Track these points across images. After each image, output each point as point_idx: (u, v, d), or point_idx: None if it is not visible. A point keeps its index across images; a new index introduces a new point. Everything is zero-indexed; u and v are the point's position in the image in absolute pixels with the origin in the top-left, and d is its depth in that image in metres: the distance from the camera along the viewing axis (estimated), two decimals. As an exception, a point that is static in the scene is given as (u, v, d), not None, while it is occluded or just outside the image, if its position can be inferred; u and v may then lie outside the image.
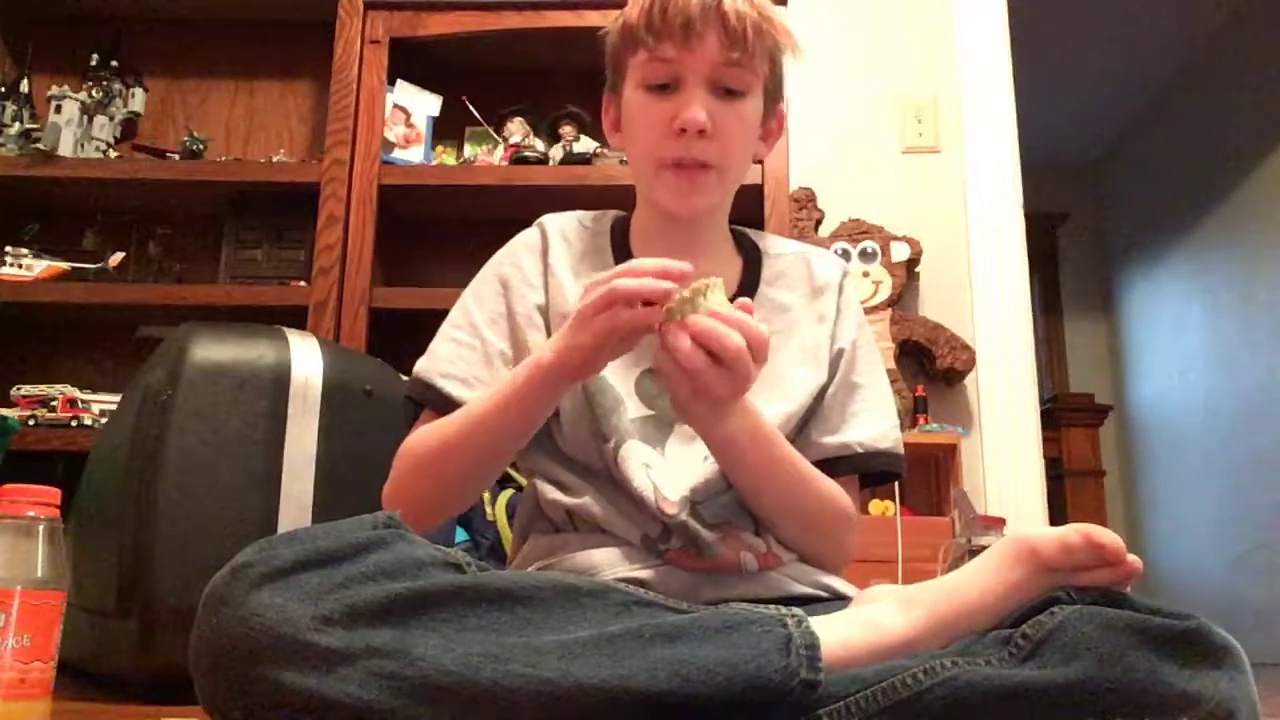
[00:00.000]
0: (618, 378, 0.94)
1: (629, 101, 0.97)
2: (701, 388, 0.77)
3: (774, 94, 1.00)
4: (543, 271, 1.00)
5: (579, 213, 1.06)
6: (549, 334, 0.96)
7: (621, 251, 1.02)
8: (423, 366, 0.97)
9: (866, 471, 0.99)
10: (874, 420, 0.98)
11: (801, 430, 0.97)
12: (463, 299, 1.01)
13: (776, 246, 1.07)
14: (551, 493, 0.93)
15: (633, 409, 0.93)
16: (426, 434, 0.92)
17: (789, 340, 0.98)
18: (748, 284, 1.02)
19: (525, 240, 1.04)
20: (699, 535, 0.87)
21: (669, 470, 0.90)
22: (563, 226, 1.04)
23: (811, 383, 0.97)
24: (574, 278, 0.99)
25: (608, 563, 0.87)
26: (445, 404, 0.94)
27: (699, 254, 1.00)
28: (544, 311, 0.98)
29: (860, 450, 0.96)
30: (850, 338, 1.01)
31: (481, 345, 0.96)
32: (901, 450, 1.00)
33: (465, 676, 0.59)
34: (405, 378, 1.52)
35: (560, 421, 0.94)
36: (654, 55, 0.92)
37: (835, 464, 0.96)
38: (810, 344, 0.99)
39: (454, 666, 0.59)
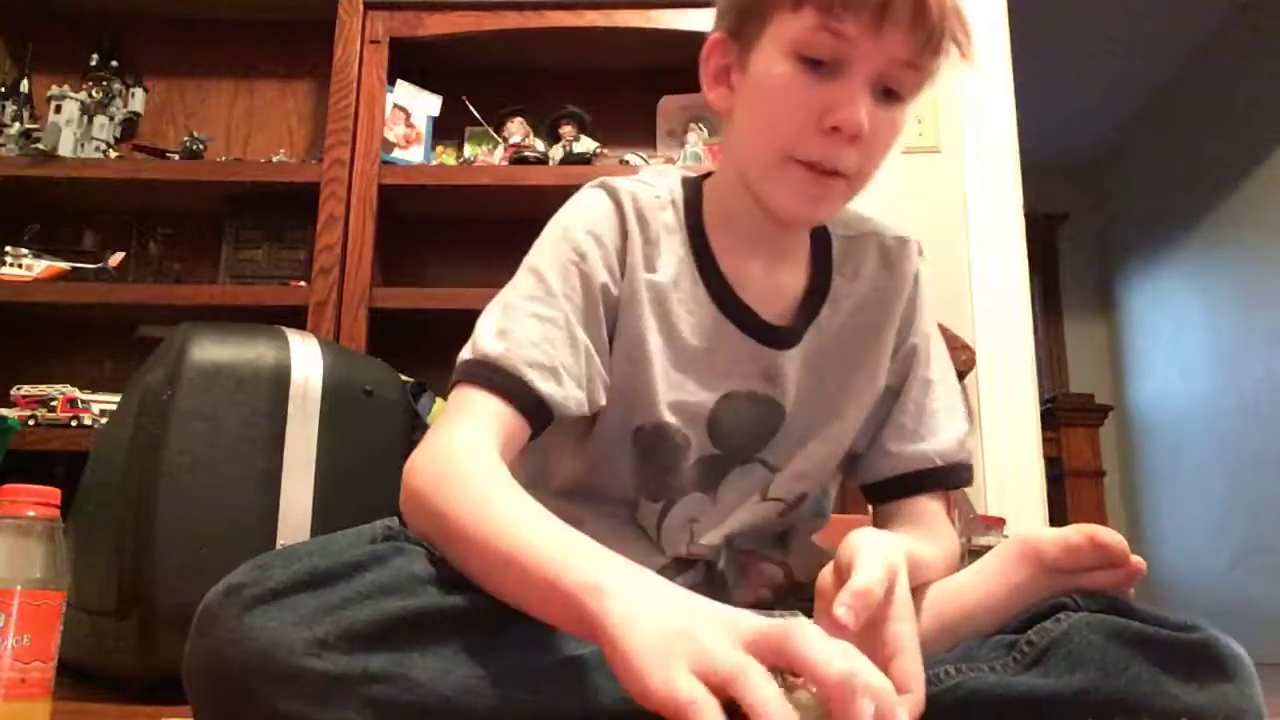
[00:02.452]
0: (686, 418, 0.83)
1: (770, 69, 0.78)
2: None
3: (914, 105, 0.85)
4: (621, 261, 0.83)
5: (645, 178, 0.88)
6: (613, 336, 0.82)
7: (697, 238, 0.86)
8: (498, 346, 0.75)
9: (942, 486, 0.91)
10: (951, 423, 0.90)
11: (875, 437, 0.91)
12: (530, 267, 0.81)
13: (849, 228, 0.92)
14: None
15: (695, 451, 0.84)
16: (476, 491, 0.67)
17: (859, 335, 0.89)
18: (819, 280, 0.89)
19: (604, 214, 0.84)
20: (729, 585, 0.83)
21: (716, 514, 0.85)
22: (638, 202, 0.85)
23: (879, 382, 0.90)
24: (647, 275, 0.84)
25: None
26: (533, 404, 0.74)
27: (785, 259, 0.88)
28: (613, 311, 0.82)
29: (940, 464, 0.88)
30: (924, 332, 0.92)
31: (567, 324, 0.78)
32: (971, 460, 0.90)
33: (465, 702, 0.57)
34: (405, 378, 1.53)
35: (596, 466, 0.84)
36: (828, 25, 0.74)
37: (917, 478, 0.88)
38: (877, 348, 0.90)
39: (452, 693, 0.57)
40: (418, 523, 0.69)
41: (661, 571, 0.73)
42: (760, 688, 0.46)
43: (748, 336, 0.85)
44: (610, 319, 0.82)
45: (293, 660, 0.57)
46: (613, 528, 0.84)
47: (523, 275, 0.81)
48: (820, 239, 0.90)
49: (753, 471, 0.87)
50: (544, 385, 0.74)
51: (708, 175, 0.91)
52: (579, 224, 0.83)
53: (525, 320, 0.77)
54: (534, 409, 0.74)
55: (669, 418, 0.81)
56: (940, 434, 0.89)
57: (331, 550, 0.63)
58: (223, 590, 0.60)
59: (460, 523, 0.65)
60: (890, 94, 0.78)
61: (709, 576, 0.83)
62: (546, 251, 0.82)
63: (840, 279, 0.90)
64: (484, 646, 0.60)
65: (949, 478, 0.89)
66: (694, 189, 0.89)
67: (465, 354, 0.77)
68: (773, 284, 0.87)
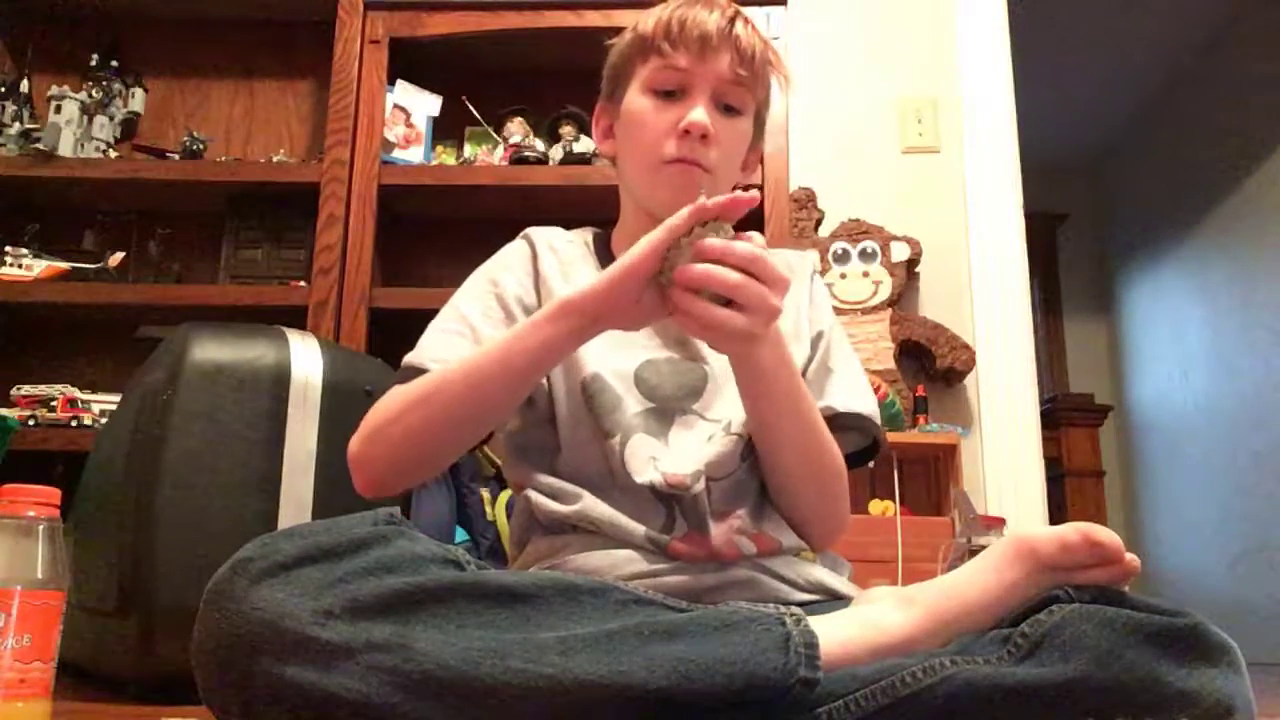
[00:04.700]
0: (616, 376, 0.95)
1: (632, 104, 1.00)
2: (722, 332, 0.79)
3: (760, 127, 1.05)
4: (533, 274, 1.03)
5: (560, 229, 1.10)
6: None
7: (606, 261, 1.03)
8: (412, 356, 0.97)
9: (851, 439, 1.02)
10: (851, 394, 1.02)
11: None
12: (450, 302, 1.02)
13: None
14: (548, 504, 0.93)
15: (633, 404, 0.94)
16: (418, 380, 0.90)
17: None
18: None
19: (514, 249, 1.07)
20: (705, 514, 0.89)
21: (675, 458, 0.92)
22: (549, 238, 1.07)
23: (799, 357, 1.01)
24: (564, 284, 1.01)
25: (610, 566, 0.87)
26: None
27: None
28: (533, 309, 1.00)
29: (841, 409, 0.99)
30: (827, 323, 1.06)
31: (472, 333, 0.97)
32: (879, 420, 1.03)
33: (465, 671, 0.60)
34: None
35: (559, 425, 0.95)
36: (667, 63, 0.97)
37: None
38: (791, 326, 1.03)
39: (454, 661, 0.60)
40: (380, 449, 0.91)
41: (661, 527, 0.89)
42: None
43: None
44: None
45: (299, 630, 0.60)
46: (610, 497, 0.91)
47: (443, 309, 1.02)
48: None
49: (693, 423, 0.95)
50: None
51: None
52: (495, 263, 1.05)
53: (437, 336, 0.98)
54: None
55: (601, 371, 0.95)
56: (840, 396, 1.00)
57: (337, 529, 0.67)
58: (231, 566, 0.64)
59: (444, 377, 0.88)
60: (730, 109, 0.98)
61: (684, 509, 0.89)
62: (466, 288, 1.03)
63: None
64: (484, 621, 0.63)
65: (849, 424, 1.00)
66: (604, 235, 1.10)
67: None
68: None
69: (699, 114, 0.94)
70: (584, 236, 1.09)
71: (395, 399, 0.91)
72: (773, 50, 1.01)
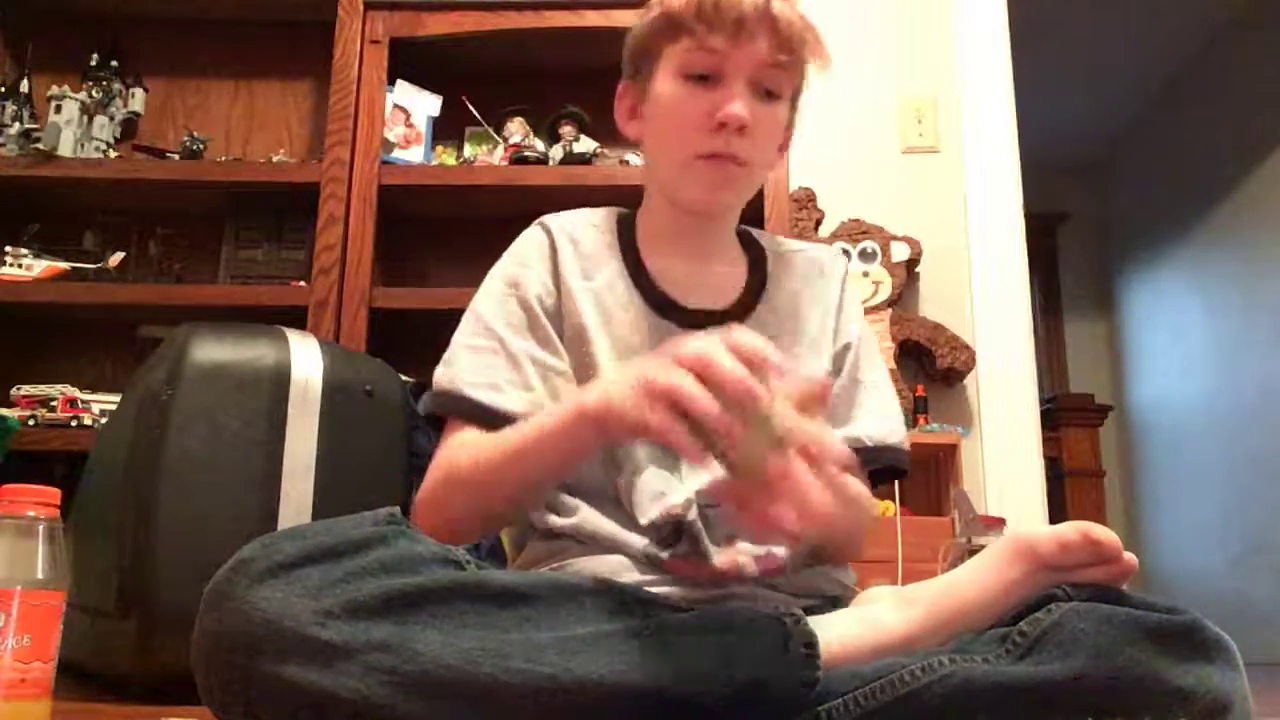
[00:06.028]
0: None
1: (662, 89, 0.94)
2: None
3: (795, 107, 1.01)
4: (552, 270, 0.98)
5: (582, 211, 1.04)
6: (561, 338, 0.95)
7: (630, 252, 1.00)
8: (445, 377, 0.92)
9: (874, 466, 0.98)
10: (882, 416, 0.98)
11: None
12: (471, 308, 0.97)
13: (782, 245, 1.07)
14: (547, 516, 0.91)
15: None
16: (464, 451, 0.88)
17: (801, 334, 0.99)
18: (755, 282, 1.01)
19: (533, 242, 1.00)
20: (702, 539, 0.85)
21: (684, 492, 0.88)
22: (568, 227, 1.01)
23: (816, 368, 0.97)
24: (584, 282, 0.97)
25: (610, 570, 0.85)
26: (480, 412, 0.90)
27: (710, 254, 1.01)
28: (556, 317, 0.96)
29: (870, 444, 0.95)
30: (855, 333, 1.01)
31: (501, 345, 0.93)
32: (907, 447, 0.99)
33: (465, 671, 0.60)
34: (405, 378, 1.53)
35: None
36: (701, 45, 0.90)
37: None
38: (816, 334, 1.00)
39: (454, 661, 0.60)
40: (435, 519, 0.87)
41: (659, 542, 0.85)
42: (672, 375, 0.65)
43: (671, 324, 0.95)
44: (554, 317, 0.96)
45: (299, 629, 0.60)
46: (611, 514, 0.89)
47: (465, 317, 0.97)
48: (757, 255, 1.04)
49: None
50: (485, 397, 0.89)
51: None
52: (511, 260, 1.00)
53: (467, 355, 0.93)
54: (483, 415, 0.89)
55: None
56: (871, 424, 0.97)
57: (337, 530, 0.66)
58: (231, 566, 0.64)
59: (473, 473, 0.85)
60: (769, 94, 0.93)
61: (695, 541, 0.85)
62: (484, 293, 0.98)
63: (775, 273, 1.03)
64: (485, 621, 0.63)
65: (877, 456, 0.96)
66: (628, 219, 1.04)
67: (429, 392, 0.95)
68: (703, 280, 0.99)
69: (737, 107, 0.89)
70: (609, 220, 1.03)
71: (448, 472, 0.89)
72: (812, 30, 0.93)
